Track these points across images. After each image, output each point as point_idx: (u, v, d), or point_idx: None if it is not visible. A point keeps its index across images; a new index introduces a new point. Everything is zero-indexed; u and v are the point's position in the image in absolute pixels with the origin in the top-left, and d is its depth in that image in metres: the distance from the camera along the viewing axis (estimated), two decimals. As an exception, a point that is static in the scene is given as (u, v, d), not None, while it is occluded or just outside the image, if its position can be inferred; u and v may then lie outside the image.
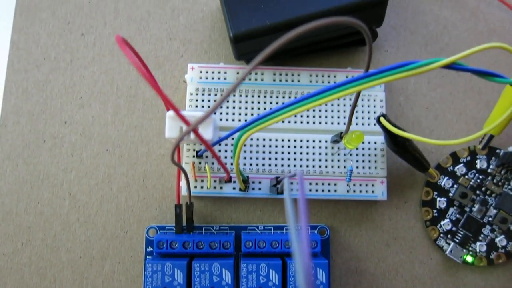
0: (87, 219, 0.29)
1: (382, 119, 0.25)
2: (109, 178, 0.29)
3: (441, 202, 0.29)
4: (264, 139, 0.28)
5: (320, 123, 0.29)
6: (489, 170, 0.29)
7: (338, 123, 0.29)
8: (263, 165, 0.28)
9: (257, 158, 0.28)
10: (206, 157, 0.28)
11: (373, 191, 0.28)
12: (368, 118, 0.29)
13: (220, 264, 0.25)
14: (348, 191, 0.28)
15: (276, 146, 0.28)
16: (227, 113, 0.29)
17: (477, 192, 0.29)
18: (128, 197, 0.29)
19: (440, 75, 0.31)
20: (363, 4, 0.26)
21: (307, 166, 0.28)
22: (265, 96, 0.29)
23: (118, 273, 0.28)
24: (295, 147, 0.28)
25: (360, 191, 0.28)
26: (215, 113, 0.28)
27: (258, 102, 0.29)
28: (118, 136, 0.30)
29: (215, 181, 0.28)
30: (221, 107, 0.28)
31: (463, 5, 0.33)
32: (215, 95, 0.29)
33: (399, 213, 0.30)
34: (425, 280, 0.29)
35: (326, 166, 0.28)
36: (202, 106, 0.29)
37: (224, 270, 0.25)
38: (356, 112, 0.29)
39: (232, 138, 0.28)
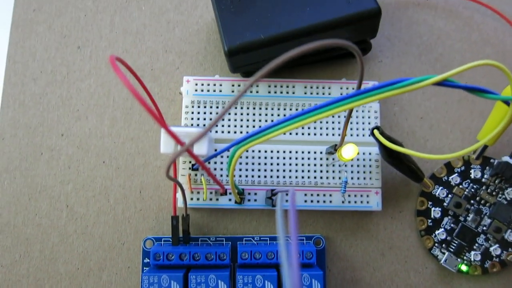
0: (84, 230, 0.29)
1: (375, 131, 0.26)
2: (106, 190, 0.29)
3: (435, 212, 0.29)
4: (259, 151, 0.28)
5: (315, 134, 0.29)
6: (483, 180, 0.29)
7: (333, 134, 0.29)
8: (259, 176, 0.28)
9: (252, 170, 0.28)
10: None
11: (368, 202, 0.28)
12: (363, 129, 0.29)
13: (216, 276, 0.25)
14: (343, 202, 0.28)
15: (272, 158, 0.28)
16: (222, 125, 0.29)
17: (472, 201, 0.29)
18: (125, 209, 0.29)
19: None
20: (357, 17, 0.26)
21: (302, 177, 0.28)
22: (260, 108, 0.29)
23: (115, 284, 0.28)
24: (290, 158, 0.28)
25: (355, 202, 0.28)
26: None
27: (254, 114, 0.29)
28: (114, 148, 0.30)
29: (211, 193, 0.28)
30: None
31: (457, 15, 0.33)
32: (211, 107, 0.29)
33: (394, 222, 0.30)
34: (420, 289, 0.29)
35: (321, 177, 0.28)
36: (198, 119, 0.29)
37: (220, 282, 0.25)
38: (351, 123, 0.29)
39: (228, 150, 0.28)
